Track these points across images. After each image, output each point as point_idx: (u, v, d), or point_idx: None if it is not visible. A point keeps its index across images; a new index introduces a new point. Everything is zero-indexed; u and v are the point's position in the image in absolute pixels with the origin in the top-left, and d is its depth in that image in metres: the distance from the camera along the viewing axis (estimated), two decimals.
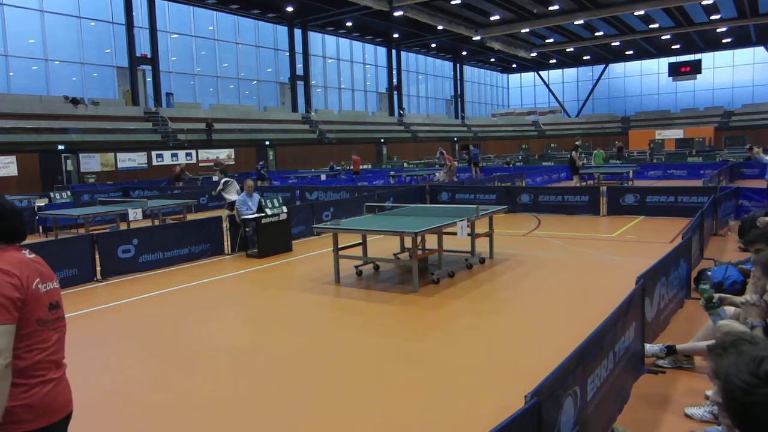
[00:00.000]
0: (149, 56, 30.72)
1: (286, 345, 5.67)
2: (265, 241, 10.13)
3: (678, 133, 48.10)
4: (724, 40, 48.24)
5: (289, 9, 34.52)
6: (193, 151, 29.89)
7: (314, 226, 9.37)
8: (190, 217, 13.49)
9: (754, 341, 1.69)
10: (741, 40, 48.32)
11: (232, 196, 13.49)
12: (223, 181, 13.60)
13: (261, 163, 27.66)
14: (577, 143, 19.94)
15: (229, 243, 10.74)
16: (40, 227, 14.20)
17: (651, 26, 41.98)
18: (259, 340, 5.84)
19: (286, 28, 38.31)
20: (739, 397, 1.42)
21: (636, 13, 36.36)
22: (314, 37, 40.87)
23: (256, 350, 5.52)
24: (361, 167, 27.40)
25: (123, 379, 4.93)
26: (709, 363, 1.67)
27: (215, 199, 16.22)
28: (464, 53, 51.67)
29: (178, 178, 22.79)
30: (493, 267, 8.66)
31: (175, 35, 33.19)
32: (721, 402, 1.50)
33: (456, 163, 24.62)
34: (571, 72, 61.33)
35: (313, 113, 39.51)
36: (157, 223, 13.43)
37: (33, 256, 2.25)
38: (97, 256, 8.78)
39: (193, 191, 18.83)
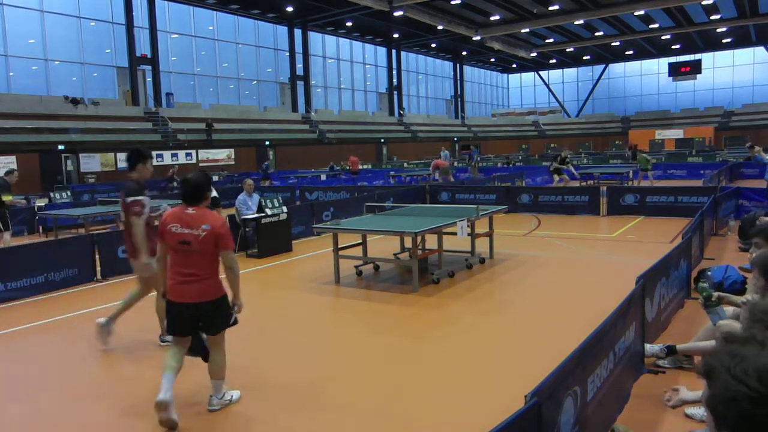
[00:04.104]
0: (149, 56, 30.72)
1: (286, 345, 5.67)
2: (265, 241, 10.12)
3: (678, 133, 48.09)
4: (724, 40, 48.22)
5: (289, 9, 34.51)
6: (193, 151, 29.88)
7: (314, 226, 9.37)
8: None
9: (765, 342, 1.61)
10: (741, 40, 48.31)
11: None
12: None
13: (266, 163, 27.58)
14: (562, 154, 19.66)
15: None
16: (40, 227, 14.20)
17: (651, 26, 41.97)
18: (258, 340, 5.83)
19: (286, 28, 38.31)
20: (746, 408, 1.24)
21: (636, 13, 36.36)
22: (314, 37, 40.87)
23: (256, 350, 5.52)
24: (360, 167, 27.41)
25: (122, 379, 4.93)
26: (702, 360, 1.46)
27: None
28: (464, 53, 51.66)
29: (171, 180, 22.93)
30: (493, 267, 8.66)
31: (175, 35, 33.18)
32: (715, 409, 1.32)
33: (448, 163, 24.51)
34: (571, 72, 61.32)
35: (313, 113, 39.51)
36: (156, 223, 13.42)
37: (192, 210, 4.00)
38: (97, 256, 8.78)
39: None
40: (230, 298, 4.12)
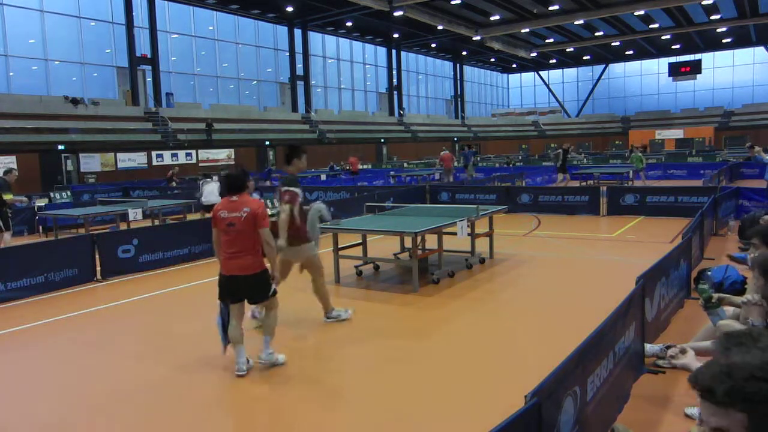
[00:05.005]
0: (149, 56, 30.70)
1: (285, 345, 5.66)
2: None
3: (678, 133, 48.07)
4: (724, 40, 48.22)
5: (289, 9, 34.50)
6: (193, 151, 29.88)
7: None
8: (190, 217, 13.49)
9: (757, 337, 1.63)
10: (741, 40, 48.30)
11: (209, 197, 13.43)
12: (201, 182, 13.74)
13: (270, 167, 27.72)
14: (564, 147, 19.83)
15: None
16: (40, 227, 14.20)
17: (651, 26, 41.96)
18: (258, 340, 5.82)
19: (286, 28, 38.30)
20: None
21: (636, 13, 36.36)
22: (314, 37, 40.86)
23: (256, 350, 5.51)
24: (360, 167, 27.52)
25: (122, 379, 4.93)
26: (698, 382, 1.48)
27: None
28: (464, 53, 51.64)
29: (170, 180, 22.96)
30: (493, 267, 8.66)
31: (175, 35, 33.17)
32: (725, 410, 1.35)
33: (453, 163, 24.52)
34: (571, 72, 61.31)
35: (313, 113, 39.50)
36: (157, 223, 13.42)
37: (235, 198, 4.76)
38: (97, 256, 8.78)
39: (193, 191, 18.81)
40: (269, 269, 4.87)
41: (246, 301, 4.89)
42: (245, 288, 4.77)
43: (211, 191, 13.47)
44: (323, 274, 6.13)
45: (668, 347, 4.59)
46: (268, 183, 22.66)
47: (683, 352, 3.05)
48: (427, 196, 16.26)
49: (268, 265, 4.87)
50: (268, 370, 4.96)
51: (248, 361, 4.92)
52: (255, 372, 4.94)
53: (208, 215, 12.68)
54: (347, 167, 28.04)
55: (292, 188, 5.73)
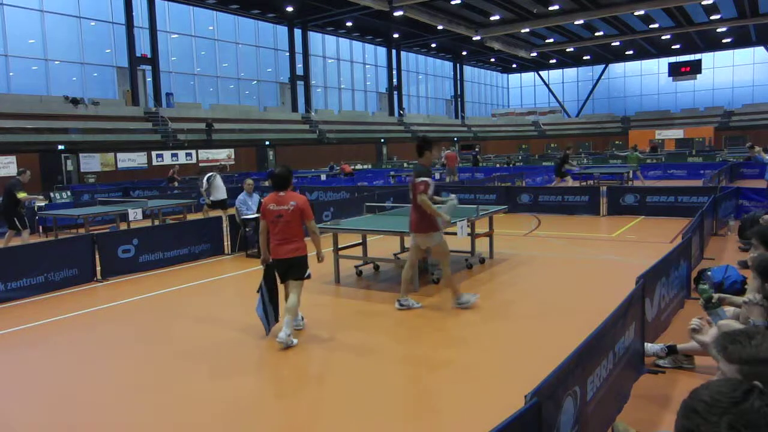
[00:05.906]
0: (149, 56, 30.73)
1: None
2: None
3: (678, 133, 48.09)
4: (724, 40, 48.24)
5: (289, 9, 34.53)
6: (193, 151, 29.88)
7: None
8: (190, 217, 13.48)
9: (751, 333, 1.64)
10: (741, 40, 48.32)
11: (218, 194, 13.55)
12: (207, 176, 13.74)
13: (273, 168, 27.79)
14: (568, 151, 19.88)
15: (229, 243, 10.74)
16: (40, 227, 14.19)
17: (651, 26, 41.98)
18: (259, 341, 5.83)
19: (286, 28, 38.32)
20: None
21: (636, 13, 36.37)
22: (314, 37, 40.88)
23: (257, 351, 5.52)
24: (351, 168, 27.71)
25: (122, 379, 4.93)
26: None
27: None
28: (464, 53, 51.67)
29: (171, 180, 22.95)
30: (493, 267, 8.65)
31: (175, 35, 33.19)
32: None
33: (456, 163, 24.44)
34: (571, 72, 61.33)
35: (313, 113, 39.51)
36: (157, 223, 13.42)
37: (282, 193, 5.52)
38: (97, 256, 8.77)
39: (193, 191, 18.83)
40: (315, 254, 5.68)
41: (291, 279, 5.62)
42: (291, 268, 5.57)
43: (219, 186, 13.63)
44: (449, 261, 6.52)
45: (669, 347, 4.59)
46: (267, 183, 22.66)
47: (709, 323, 2.98)
48: None
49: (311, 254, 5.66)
50: (267, 378, 4.96)
51: (302, 319, 5.97)
52: (256, 377, 4.94)
53: (213, 213, 12.69)
54: (341, 174, 27.93)
55: (426, 178, 6.25)
